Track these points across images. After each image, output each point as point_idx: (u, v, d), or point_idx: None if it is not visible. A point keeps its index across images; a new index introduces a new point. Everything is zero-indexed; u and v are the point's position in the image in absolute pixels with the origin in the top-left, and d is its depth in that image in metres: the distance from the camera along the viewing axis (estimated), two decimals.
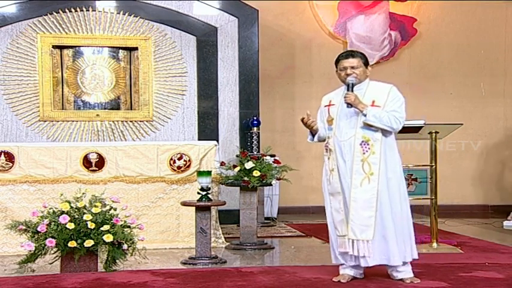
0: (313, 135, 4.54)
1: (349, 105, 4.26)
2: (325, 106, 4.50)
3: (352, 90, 4.29)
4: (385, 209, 4.24)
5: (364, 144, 4.26)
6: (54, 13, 7.46)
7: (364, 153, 4.25)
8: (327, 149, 4.42)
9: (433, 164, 5.77)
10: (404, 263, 4.35)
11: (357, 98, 4.26)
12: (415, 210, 8.62)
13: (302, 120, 4.47)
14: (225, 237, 6.24)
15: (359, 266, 4.36)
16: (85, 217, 4.74)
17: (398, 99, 4.37)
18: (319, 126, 4.49)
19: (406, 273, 4.37)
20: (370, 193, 4.23)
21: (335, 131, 4.36)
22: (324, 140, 4.46)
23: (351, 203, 4.25)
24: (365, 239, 4.22)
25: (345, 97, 4.27)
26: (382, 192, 4.24)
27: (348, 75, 4.34)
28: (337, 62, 4.44)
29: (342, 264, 4.42)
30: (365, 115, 4.23)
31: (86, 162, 5.95)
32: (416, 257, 4.43)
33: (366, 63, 4.44)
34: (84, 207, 4.84)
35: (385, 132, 4.30)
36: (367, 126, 4.26)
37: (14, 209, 5.80)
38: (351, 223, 4.25)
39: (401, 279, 4.35)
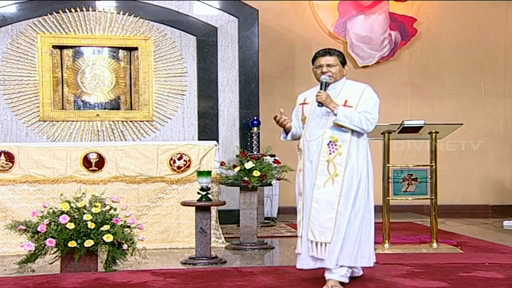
0: (287, 134, 4.43)
1: (320, 104, 4.16)
2: (300, 104, 4.40)
3: (325, 89, 4.19)
4: (345, 213, 4.10)
5: (332, 145, 4.16)
6: (54, 13, 7.46)
7: (330, 154, 4.15)
8: (298, 149, 4.34)
9: (433, 164, 5.77)
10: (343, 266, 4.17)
11: (328, 97, 4.15)
12: (415, 210, 8.74)
13: (275, 118, 4.36)
14: (225, 237, 6.24)
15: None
16: (85, 217, 4.75)
17: (371, 100, 4.26)
18: (293, 124, 4.39)
19: (336, 275, 4.18)
20: (333, 194, 4.11)
21: (305, 130, 4.28)
22: (299, 139, 4.37)
23: (312, 204, 4.15)
24: (323, 241, 4.10)
25: (316, 96, 4.18)
26: (346, 195, 4.11)
27: (323, 73, 4.24)
28: (314, 59, 4.34)
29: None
30: (336, 115, 4.12)
31: (86, 162, 5.95)
32: (371, 264, 4.27)
33: (343, 62, 4.34)
34: (84, 207, 4.84)
35: (356, 133, 4.19)
36: (338, 126, 4.15)
37: (14, 209, 5.80)
38: (311, 224, 4.14)
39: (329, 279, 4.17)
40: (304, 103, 4.38)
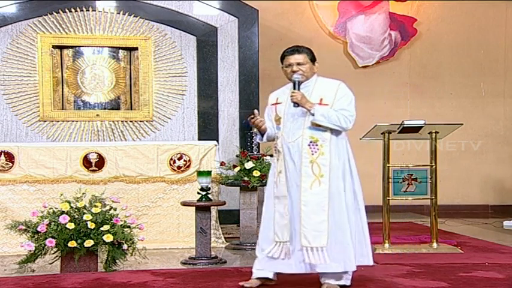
0: (262, 135, 4.31)
1: (296, 104, 4.05)
2: (272, 104, 4.29)
3: (298, 89, 4.09)
4: (339, 212, 4.03)
5: (313, 145, 4.05)
6: (54, 13, 7.46)
7: (312, 154, 4.04)
8: (275, 150, 4.22)
9: (433, 164, 5.77)
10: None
11: (303, 96, 4.05)
12: (415, 210, 8.74)
13: (250, 119, 4.27)
14: (225, 237, 6.24)
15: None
16: (85, 217, 4.75)
17: (347, 97, 4.15)
18: (267, 125, 4.27)
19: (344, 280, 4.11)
20: (321, 196, 4.00)
21: (283, 132, 4.16)
22: (274, 140, 4.25)
23: (301, 208, 4.01)
24: (319, 245, 3.97)
25: (291, 96, 4.06)
26: (334, 195, 4.04)
27: (294, 72, 4.13)
28: (282, 58, 4.22)
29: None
30: (313, 114, 4.02)
31: (86, 162, 5.95)
32: (371, 263, 4.20)
33: (313, 59, 4.24)
34: (84, 207, 4.85)
35: (334, 132, 4.10)
36: (316, 126, 4.06)
37: (14, 209, 5.80)
38: (303, 229, 3.99)
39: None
40: (276, 103, 4.26)
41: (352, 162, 4.19)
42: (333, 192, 4.04)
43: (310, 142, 4.06)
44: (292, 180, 4.09)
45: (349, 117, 4.10)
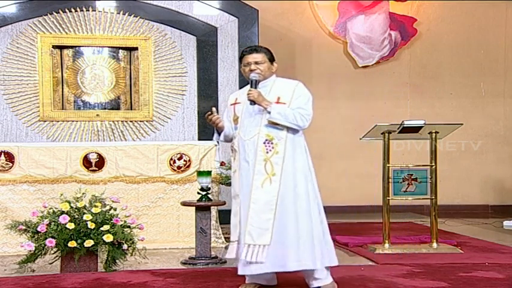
0: (219, 134, 4.26)
1: (253, 102, 4.02)
2: (231, 105, 4.25)
3: (256, 87, 4.06)
4: (287, 212, 3.97)
5: (268, 143, 4.02)
6: (54, 13, 7.46)
7: (267, 153, 4.01)
8: (232, 150, 4.19)
9: (433, 164, 5.77)
10: (315, 270, 4.04)
11: (260, 94, 4.03)
12: (415, 210, 8.74)
13: (207, 117, 4.22)
14: (225, 237, 6.23)
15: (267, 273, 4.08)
16: (85, 217, 4.75)
17: (304, 96, 4.11)
18: (225, 125, 4.23)
19: (322, 281, 4.09)
20: (271, 195, 3.97)
21: (239, 130, 4.13)
22: (231, 140, 4.22)
23: (250, 205, 3.98)
24: (262, 243, 3.94)
25: (247, 94, 4.04)
26: (285, 194, 3.98)
27: (251, 71, 4.10)
28: (241, 57, 4.21)
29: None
30: (269, 112, 3.99)
31: (86, 162, 5.95)
32: (333, 263, 4.12)
33: (272, 59, 4.20)
34: (84, 207, 4.85)
35: (291, 131, 4.06)
36: (272, 124, 4.02)
37: (14, 209, 5.80)
38: (249, 226, 3.96)
39: None
40: (235, 103, 4.23)
41: (310, 162, 4.14)
42: (283, 192, 3.99)
43: (266, 140, 4.03)
44: (246, 179, 4.06)
45: (306, 115, 4.07)
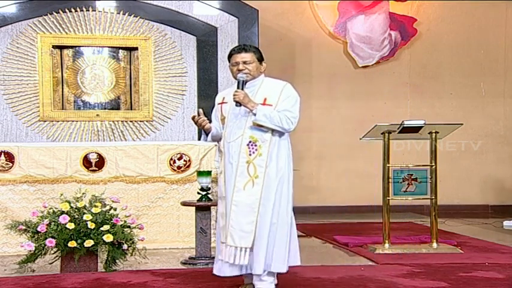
0: (207, 135, 4.22)
1: (238, 103, 3.94)
2: (219, 104, 4.18)
3: (242, 88, 3.97)
4: (267, 216, 3.92)
5: (252, 145, 3.96)
6: (54, 13, 7.46)
7: (250, 155, 3.95)
8: (219, 151, 4.16)
9: (433, 164, 5.77)
10: (270, 272, 3.98)
11: (246, 96, 3.94)
12: (415, 210, 8.74)
13: (193, 118, 4.17)
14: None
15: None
16: (85, 217, 4.75)
17: (291, 98, 4.04)
18: (213, 125, 4.17)
19: (266, 283, 3.98)
20: (253, 197, 3.91)
21: (225, 132, 4.07)
22: (220, 140, 4.16)
23: (231, 207, 3.94)
24: (244, 246, 3.89)
25: (233, 95, 3.95)
26: (267, 197, 3.93)
27: (239, 70, 4.02)
28: (229, 56, 4.12)
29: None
30: (255, 114, 3.91)
31: (86, 162, 5.95)
32: (297, 263, 4.08)
33: (261, 59, 4.14)
34: (84, 207, 4.85)
35: (276, 133, 3.99)
36: (257, 126, 3.95)
37: (14, 209, 5.80)
38: (231, 229, 3.92)
39: None
40: (222, 102, 4.15)
41: (290, 166, 4.11)
42: (266, 194, 3.94)
43: (250, 142, 3.97)
44: (229, 180, 4.04)
45: (292, 118, 3.99)
